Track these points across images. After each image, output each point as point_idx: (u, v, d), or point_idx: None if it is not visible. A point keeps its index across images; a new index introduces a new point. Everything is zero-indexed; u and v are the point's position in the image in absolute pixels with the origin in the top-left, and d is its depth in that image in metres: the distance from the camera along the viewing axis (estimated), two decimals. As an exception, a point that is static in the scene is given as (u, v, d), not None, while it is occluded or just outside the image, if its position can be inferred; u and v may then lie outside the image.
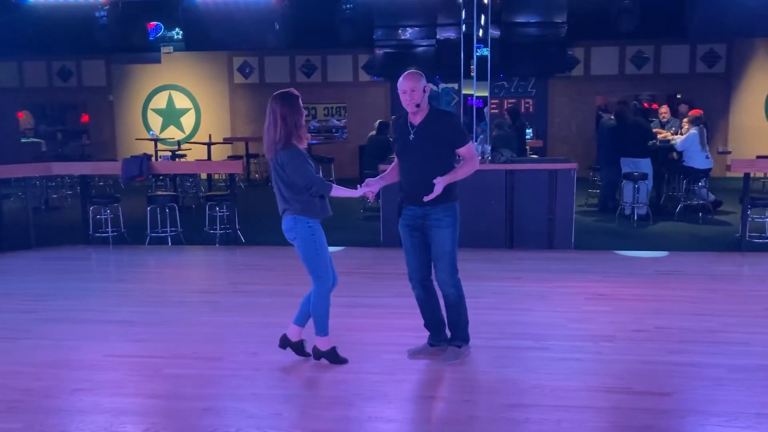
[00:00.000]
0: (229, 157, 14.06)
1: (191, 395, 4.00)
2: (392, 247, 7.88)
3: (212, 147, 13.91)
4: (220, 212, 8.51)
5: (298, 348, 4.48)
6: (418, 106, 4.13)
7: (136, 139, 15.34)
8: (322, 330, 4.34)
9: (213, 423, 3.63)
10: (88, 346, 4.81)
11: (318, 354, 4.40)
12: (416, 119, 4.21)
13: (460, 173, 4.19)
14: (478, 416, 3.67)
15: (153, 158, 11.24)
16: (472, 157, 4.24)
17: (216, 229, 8.45)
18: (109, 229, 8.41)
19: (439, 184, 4.06)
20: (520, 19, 13.68)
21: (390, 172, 4.45)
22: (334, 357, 4.38)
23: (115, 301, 6.02)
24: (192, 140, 15.20)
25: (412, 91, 4.10)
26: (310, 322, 4.36)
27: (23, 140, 16.55)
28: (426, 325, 4.53)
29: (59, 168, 9.37)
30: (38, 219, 9.09)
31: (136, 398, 3.98)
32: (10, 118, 16.53)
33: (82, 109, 17.06)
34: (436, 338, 4.53)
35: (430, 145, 4.17)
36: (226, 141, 14.95)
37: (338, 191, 4.23)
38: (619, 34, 11.21)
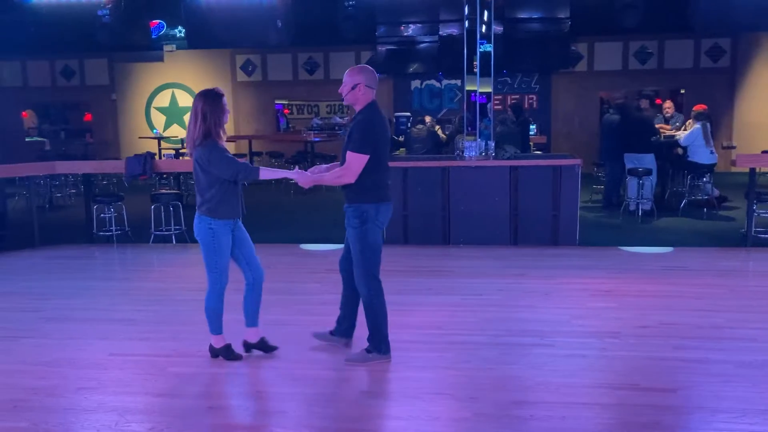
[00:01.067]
0: (233, 155, 14.04)
1: (196, 394, 4.00)
2: (395, 244, 7.88)
3: (216, 145, 13.87)
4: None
5: (263, 346, 4.54)
6: (341, 99, 4.27)
7: (140, 137, 15.37)
8: (216, 329, 4.43)
9: (218, 422, 3.63)
10: (93, 345, 4.82)
11: (213, 351, 4.48)
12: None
13: (327, 178, 4.29)
14: (483, 413, 3.66)
15: (156, 156, 11.23)
16: (347, 167, 4.16)
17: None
18: (113, 228, 8.41)
19: (304, 178, 4.27)
20: (523, 15, 13.65)
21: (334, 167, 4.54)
22: (228, 354, 4.46)
23: (120, 299, 6.02)
24: (195, 138, 15.17)
25: (343, 84, 4.24)
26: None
27: (27, 139, 16.55)
28: (338, 317, 4.62)
29: (63, 167, 9.38)
30: (42, 218, 9.11)
31: (141, 397, 3.97)
32: (14, 117, 16.56)
33: (85, 108, 17.10)
34: (336, 329, 4.60)
35: (344, 143, 4.28)
36: (229, 139, 14.93)
37: (268, 173, 4.31)
38: (623, 29, 11.17)
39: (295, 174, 4.34)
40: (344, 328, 4.59)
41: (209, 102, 4.21)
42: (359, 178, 4.17)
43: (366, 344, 4.37)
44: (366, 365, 4.30)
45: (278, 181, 14.33)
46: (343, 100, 4.27)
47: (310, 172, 4.40)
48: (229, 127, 15.45)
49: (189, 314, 5.51)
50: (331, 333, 4.62)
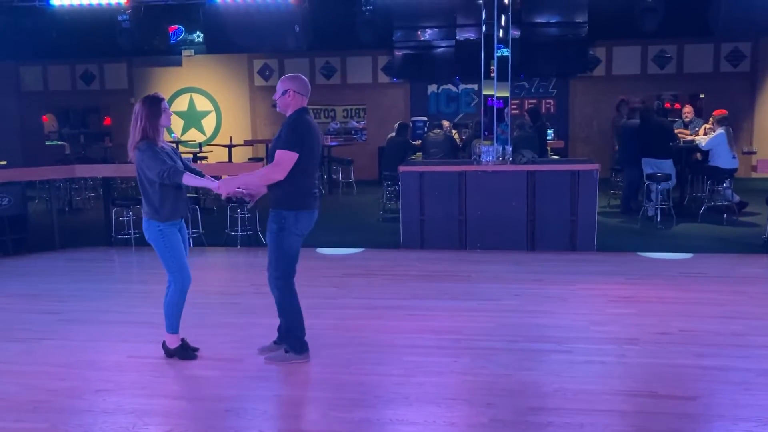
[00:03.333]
0: (249, 159, 14.14)
1: (213, 396, 4.02)
2: (411, 248, 7.87)
3: (233, 149, 13.99)
4: (241, 214, 8.54)
5: (182, 352, 4.58)
6: (274, 105, 4.38)
7: (158, 141, 15.47)
8: (172, 327, 4.49)
9: (235, 424, 3.64)
10: (112, 347, 4.85)
11: (168, 352, 4.53)
12: None
13: (253, 176, 4.36)
14: (500, 419, 3.64)
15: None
16: (276, 164, 4.18)
17: (237, 231, 8.49)
18: (132, 231, 8.48)
19: (225, 184, 4.34)
20: (540, 19, 13.59)
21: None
22: (183, 353, 4.53)
23: (138, 302, 6.07)
24: (213, 142, 15.30)
25: (276, 90, 4.34)
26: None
27: (47, 143, 16.78)
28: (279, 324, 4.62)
29: (83, 170, 9.48)
30: (62, 221, 9.21)
31: (159, 399, 4.00)
32: (34, 121, 16.79)
33: (104, 112, 17.27)
34: (279, 337, 4.61)
35: (271, 146, 4.35)
36: (246, 143, 15.03)
37: (191, 180, 4.31)
38: (642, 33, 11.07)
39: (214, 184, 4.38)
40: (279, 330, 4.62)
41: (146, 106, 4.32)
42: (283, 184, 4.20)
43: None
44: (284, 365, 4.39)
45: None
46: (273, 106, 4.39)
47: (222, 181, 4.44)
48: (246, 131, 15.69)
49: (206, 317, 5.54)
50: (276, 342, 4.63)
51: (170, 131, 16.09)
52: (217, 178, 4.54)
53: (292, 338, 4.44)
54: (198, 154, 14.08)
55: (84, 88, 16.82)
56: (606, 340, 4.81)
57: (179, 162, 4.43)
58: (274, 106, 4.39)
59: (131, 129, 4.34)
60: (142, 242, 8.53)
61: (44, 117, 17.42)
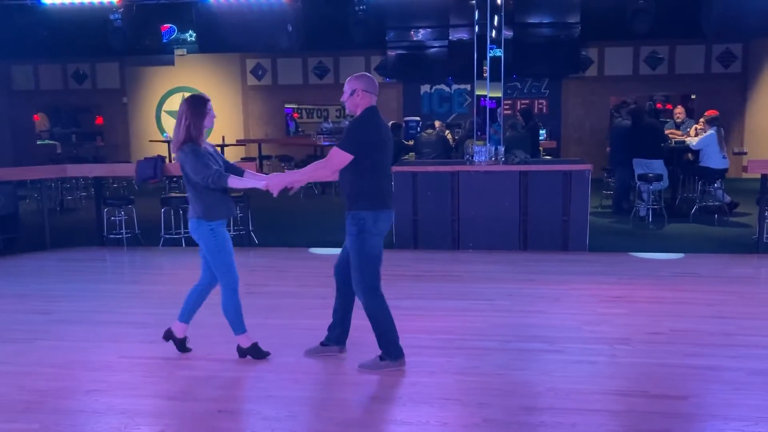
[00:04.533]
0: (242, 158, 14.10)
1: (205, 397, 4.01)
2: (404, 248, 7.88)
3: (225, 149, 13.96)
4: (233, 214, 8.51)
5: (182, 345, 4.62)
6: (343, 107, 4.28)
7: (150, 140, 15.45)
8: (239, 328, 4.46)
9: (227, 425, 3.63)
10: (103, 348, 4.83)
11: (242, 352, 4.51)
12: None
13: (303, 171, 4.39)
14: (492, 419, 3.65)
15: (167, 160, 11.29)
16: (328, 159, 4.19)
17: (230, 231, 8.45)
18: (124, 231, 8.45)
19: (273, 180, 4.30)
20: (533, 20, 13.64)
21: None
22: (257, 352, 4.49)
23: (130, 302, 6.05)
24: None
25: (343, 92, 4.30)
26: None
27: (39, 142, 16.70)
28: (330, 324, 4.56)
29: (74, 170, 9.44)
30: (53, 220, 9.16)
31: (151, 399, 3.99)
32: (26, 120, 16.70)
33: (96, 112, 17.21)
34: (327, 336, 4.55)
35: (336, 145, 4.29)
36: (239, 143, 15.01)
37: (236, 182, 4.31)
38: (634, 35, 11.13)
39: (262, 183, 4.34)
40: (336, 335, 4.52)
41: (191, 106, 4.29)
42: (358, 184, 4.15)
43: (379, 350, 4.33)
44: (379, 372, 4.27)
45: (287, 188, 14.35)
46: (344, 108, 4.33)
47: (268, 177, 4.40)
48: (239, 131, 15.65)
49: (198, 317, 5.51)
50: (322, 344, 4.56)
51: (162, 131, 16.06)
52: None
53: (386, 344, 4.28)
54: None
55: (76, 87, 16.75)
56: (598, 340, 4.83)
57: (221, 162, 4.39)
58: (343, 108, 4.35)
59: (175, 129, 4.32)
60: (134, 242, 8.53)
61: (35, 116, 17.33)
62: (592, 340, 4.83)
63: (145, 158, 8.71)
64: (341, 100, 4.32)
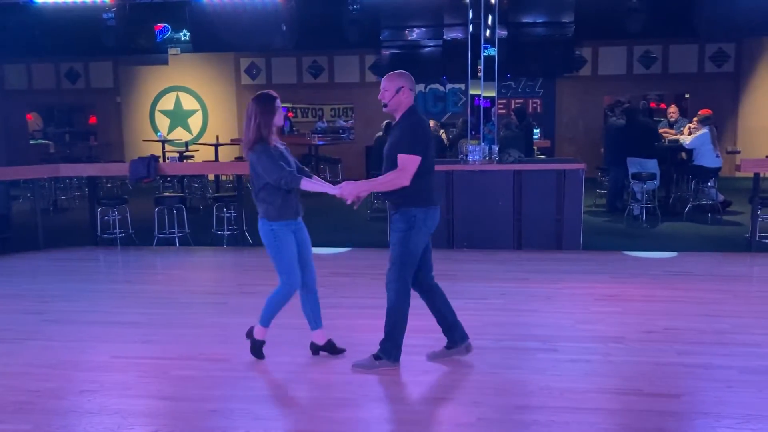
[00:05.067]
0: (236, 158, 14.08)
1: (199, 397, 4.00)
2: (399, 247, 7.87)
3: (219, 148, 13.94)
4: (227, 213, 8.51)
5: (331, 348, 4.55)
6: (385, 105, 4.22)
7: (144, 140, 15.41)
8: (266, 321, 4.44)
9: (221, 425, 3.63)
10: (96, 348, 4.82)
11: (250, 337, 4.51)
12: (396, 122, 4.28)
13: (376, 183, 4.17)
14: (486, 418, 3.65)
15: (160, 159, 11.27)
16: (401, 169, 4.07)
17: (224, 230, 8.46)
18: (117, 231, 8.43)
19: (348, 188, 4.15)
20: (527, 19, 13.64)
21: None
22: (257, 349, 4.49)
23: (123, 302, 6.03)
24: (199, 141, 15.24)
25: (383, 90, 4.21)
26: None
27: (32, 142, 16.64)
28: (441, 329, 4.47)
29: (67, 169, 9.41)
30: (46, 220, 9.12)
31: (144, 399, 3.98)
32: (18, 119, 16.63)
33: (89, 111, 17.15)
34: (449, 341, 4.46)
35: (388, 148, 4.22)
36: (233, 142, 14.97)
37: (309, 185, 4.23)
38: (627, 34, 11.14)
39: (336, 190, 4.23)
40: (457, 336, 4.44)
41: (260, 104, 4.23)
42: (411, 183, 4.09)
43: (375, 349, 4.32)
44: (373, 372, 4.26)
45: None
46: (385, 107, 4.20)
47: (339, 186, 4.26)
48: (233, 130, 15.61)
49: (192, 317, 5.52)
50: (447, 348, 4.47)
51: (156, 131, 16.02)
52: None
53: (391, 345, 4.25)
54: (184, 153, 14.02)
55: (69, 86, 16.69)
56: (592, 339, 4.84)
57: (292, 162, 4.33)
58: (385, 106, 4.19)
59: (245, 128, 4.24)
60: (127, 242, 8.51)
61: (28, 116, 17.25)
62: (585, 339, 4.85)
63: (138, 158, 8.68)
64: (381, 98, 4.20)
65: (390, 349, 4.27)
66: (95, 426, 3.62)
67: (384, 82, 4.21)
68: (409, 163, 4.06)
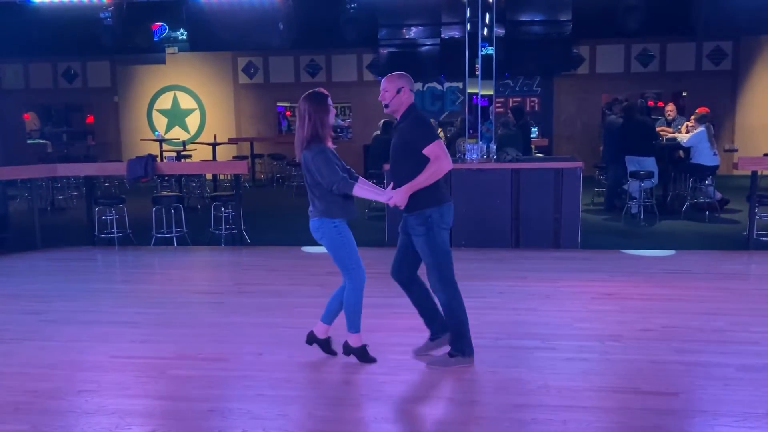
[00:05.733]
0: (234, 157, 14.09)
1: (197, 396, 3.99)
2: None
3: (217, 147, 13.93)
4: (225, 213, 8.51)
5: (326, 346, 4.52)
6: (386, 106, 4.23)
7: (141, 139, 15.39)
8: (354, 326, 4.36)
9: (219, 424, 3.63)
10: (94, 348, 4.81)
11: (348, 350, 4.42)
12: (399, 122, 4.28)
13: (421, 178, 4.11)
14: (484, 417, 3.65)
15: (158, 159, 11.26)
16: (436, 158, 4.07)
17: (221, 230, 8.46)
18: (115, 230, 8.42)
19: (398, 195, 4.11)
20: (524, 18, 13.65)
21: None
22: (363, 355, 4.40)
23: (121, 302, 6.03)
24: (197, 141, 15.23)
25: (384, 91, 4.22)
26: (339, 321, 4.35)
27: (29, 141, 16.55)
28: (423, 321, 4.50)
29: (65, 169, 9.40)
30: (44, 220, 9.11)
31: (142, 399, 3.97)
32: (15, 119, 16.57)
33: (87, 110, 17.13)
34: (433, 331, 4.48)
35: (398, 149, 4.22)
36: (231, 141, 14.97)
37: (360, 191, 4.17)
38: (625, 32, 11.16)
39: (385, 197, 4.20)
40: (438, 326, 4.45)
41: (314, 103, 4.18)
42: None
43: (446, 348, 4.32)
44: (449, 369, 4.25)
45: (279, 182, 14.34)
46: (386, 107, 4.22)
47: (387, 193, 4.22)
48: (230, 129, 15.61)
49: (190, 317, 5.51)
50: (431, 339, 4.48)
51: (154, 130, 16.01)
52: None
53: (461, 341, 4.26)
54: (182, 153, 14.00)
55: (66, 86, 16.67)
56: (589, 337, 4.85)
57: (341, 166, 4.25)
58: (386, 107, 4.21)
59: (298, 128, 4.18)
60: (125, 241, 8.50)
61: (26, 115, 17.19)
62: (583, 337, 4.85)
63: (136, 157, 8.67)
64: (382, 99, 4.21)
65: (462, 345, 4.28)
66: (93, 426, 3.61)
67: (384, 83, 4.23)
68: (438, 150, 4.08)
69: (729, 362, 4.31)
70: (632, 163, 9.69)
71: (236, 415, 3.72)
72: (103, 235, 8.52)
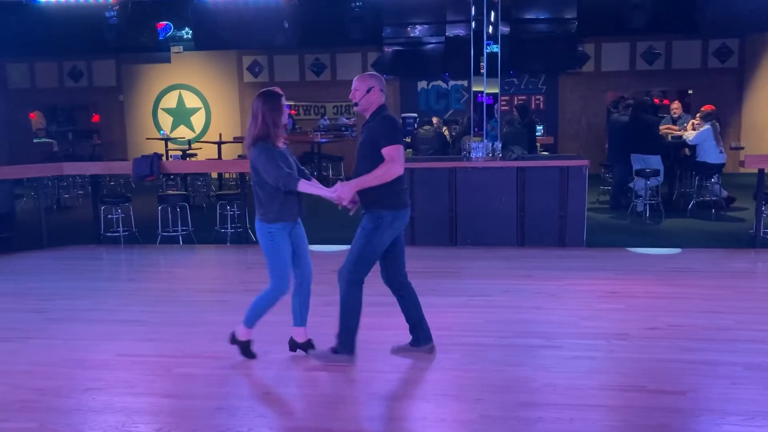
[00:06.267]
0: (239, 156, 14.06)
1: (203, 394, 4.00)
2: (403, 245, 7.88)
3: (222, 146, 13.93)
4: (230, 211, 8.52)
5: (308, 348, 4.51)
6: (356, 104, 4.26)
7: (147, 138, 15.41)
8: (250, 322, 4.42)
9: (225, 422, 3.63)
10: (100, 346, 4.83)
11: (233, 340, 4.49)
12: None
13: (369, 177, 4.11)
14: (490, 415, 3.65)
15: (163, 158, 11.28)
16: (390, 159, 4.07)
17: (227, 228, 8.47)
18: (121, 229, 8.44)
19: (343, 189, 4.13)
20: (530, 16, 13.64)
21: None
22: (245, 350, 4.47)
23: (127, 300, 6.04)
24: (202, 139, 15.24)
25: (354, 90, 4.25)
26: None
27: (35, 140, 16.67)
28: (408, 327, 4.51)
29: (71, 168, 9.42)
30: (50, 219, 9.14)
31: (148, 398, 3.98)
32: (22, 118, 16.66)
33: (92, 109, 17.17)
34: (414, 338, 4.49)
35: (362, 146, 4.23)
36: (236, 140, 14.97)
37: (306, 187, 4.19)
38: (630, 30, 11.12)
39: (332, 192, 4.19)
40: (421, 337, 4.47)
41: (267, 102, 4.19)
42: (380, 185, 4.11)
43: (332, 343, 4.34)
44: (329, 364, 4.29)
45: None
46: (355, 105, 4.26)
47: (333, 189, 4.21)
48: (235, 128, 15.62)
49: (196, 315, 5.52)
50: (411, 344, 4.50)
51: (159, 129, 16.03)
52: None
53: (346, 338, 4.28)
54: (187, 151, 14.03)
55: (72, 85, 16.70)
56: (595, 336, 4.83)
57: (294, 164, 4.31)
58: (356, 105, 4.24)
59: (250, 125, 4.21)
60: (130, 240, 8.52)
61: (32, 114, 17.28)
62: (589, 336, 4.84)
63: (141, 156, 8.68)
64: (352, 98, 4.25)
65: (347, 343, 4.30)
66: (100, 424, 3.62)
67: (355, 82, 4.26)
68: (395, 153, 4.09)
69: (736, 361, 4.29)
70: (637, 161, 9.66)
71: (243, 413, 3.73)
72: (108, 234, 8.54)
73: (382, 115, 4.20)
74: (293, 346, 4.54)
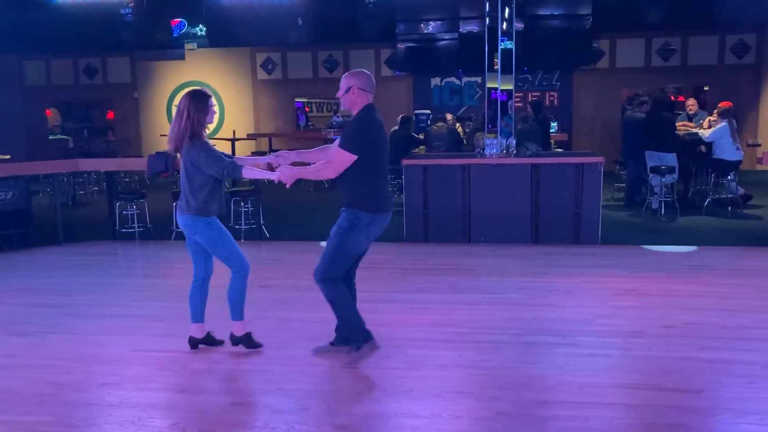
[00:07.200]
0: (252, 152, 14.13)
1: (218, 390, 4.02)
2: (415, 242, 7.87)
3: (236, 143, 13.99)
4: (244, 207, 8.54)
5: (247, 341, 4.57)
6: (338, 103, 4.29)
7: (161, 135, 15.48)
8: (238, 315, 4.49)
9: (240, 418, 3.65)
10: (116, 341, 4.86)
11: (235, 340, 4.54)
12: None
13: (308, 169, 4.28)
14: (505, 412, 3.64)
15: (178, 154, 11.33)
16: (332, 160, 4.13)
17: (241, 224, 8.49)
18: (135, 225, 8.49)
19: (286, 172, 4.21)
20: (544, 12, 13.56)
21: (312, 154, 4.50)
22: (249, 342, 4.53)
23: (142, 296, 6.08)
24: (216, 136, 15.27)
25: (340, 87, 4.26)
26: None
27: (51, 137, 16.80)
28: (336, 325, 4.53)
29: (86, 164, 9.48)
30: (66, 215, 9.21)
31: (164, 393, 4.01)
32: (38, 115, 16.80)
33: (107, 106, 17.29)
34: (336, 338, 4.51)
35: (339, 141, 4.26)
36: (249, 137, 15.03)
37: (250, 173, 4.35)
38: (646, 26, 11.03)
39: (275, 175, 4.30)
40: (340, 337, 4.50)
41: (195, 102, 4.28)
42: (356, 185, 4.14)
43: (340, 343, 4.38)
44: (362, 361, 4.29)
45: (298, 179, 14.38)
46: (340, 104, 4.31)
47: (280, 157, 4.39)
48: (249, 125, 15.67)
49: (210, 311, 5.53)
50: (332, 343, 4.54)
51: (173, 125, 16.09)
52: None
53: (354, 328, 4.33)
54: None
55: (87, 82, 16.82)
56: (611, 334, 4.81)
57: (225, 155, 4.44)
58: (338, 103, 4.30)
59: (175, 123, 4.30)
60: (145, 236, 8.57)
61: (47, 111, 17.43)
62: (604, 334, 4.81)
63: (156, 152, 8.72)
64: (337, 95, 4.30)
65: (356, 335, 4.33)
66: (116, 418, 3.65)
67: (342, 79, 4.28)
68: (339, 158, 4.11)
69: (754, 360, 4.25)
70: (652, 158, 9.58)
71: (258, 408, 3.74)
72: (124, 230, 8.59)
73: (359, 117, 4.21)
74: (235, 341, 4.58)
